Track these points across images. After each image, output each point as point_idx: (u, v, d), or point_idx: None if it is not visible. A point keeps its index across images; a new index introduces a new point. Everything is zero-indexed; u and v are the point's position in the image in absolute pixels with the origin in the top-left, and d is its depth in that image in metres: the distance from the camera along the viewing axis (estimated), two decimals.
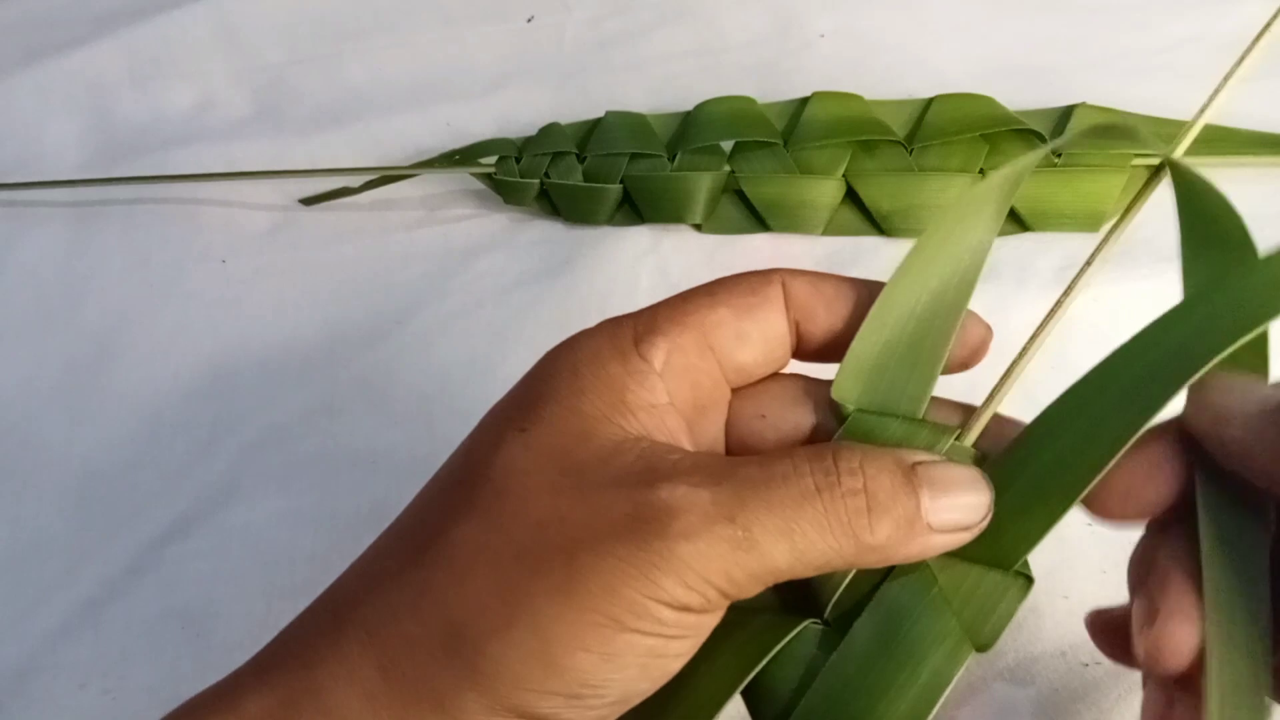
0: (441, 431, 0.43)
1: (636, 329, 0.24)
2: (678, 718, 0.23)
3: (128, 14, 0.56)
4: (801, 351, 0.26)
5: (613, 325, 0.24)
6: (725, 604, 0.22)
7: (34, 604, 0.41)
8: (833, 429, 0.25)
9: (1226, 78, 0.25)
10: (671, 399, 0.24)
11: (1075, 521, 0.23)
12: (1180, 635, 0.21)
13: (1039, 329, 0.25)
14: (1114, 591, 0.26)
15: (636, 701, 0.22)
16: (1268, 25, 0.25)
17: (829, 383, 0.25)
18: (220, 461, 0.43)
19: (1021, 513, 0.23)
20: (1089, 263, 0.25)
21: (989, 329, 0.26)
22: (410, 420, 0.43)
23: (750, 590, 0.21)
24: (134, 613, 0.40)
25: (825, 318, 0.25)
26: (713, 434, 0.26)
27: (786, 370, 0.26)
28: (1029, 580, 0.24)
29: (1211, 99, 0.25)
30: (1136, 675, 0.35)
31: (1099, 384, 0.23)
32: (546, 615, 0.20)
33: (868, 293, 0.25)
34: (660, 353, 0.24)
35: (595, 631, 0.20)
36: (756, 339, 0.25)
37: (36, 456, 0.44)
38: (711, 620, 0.22)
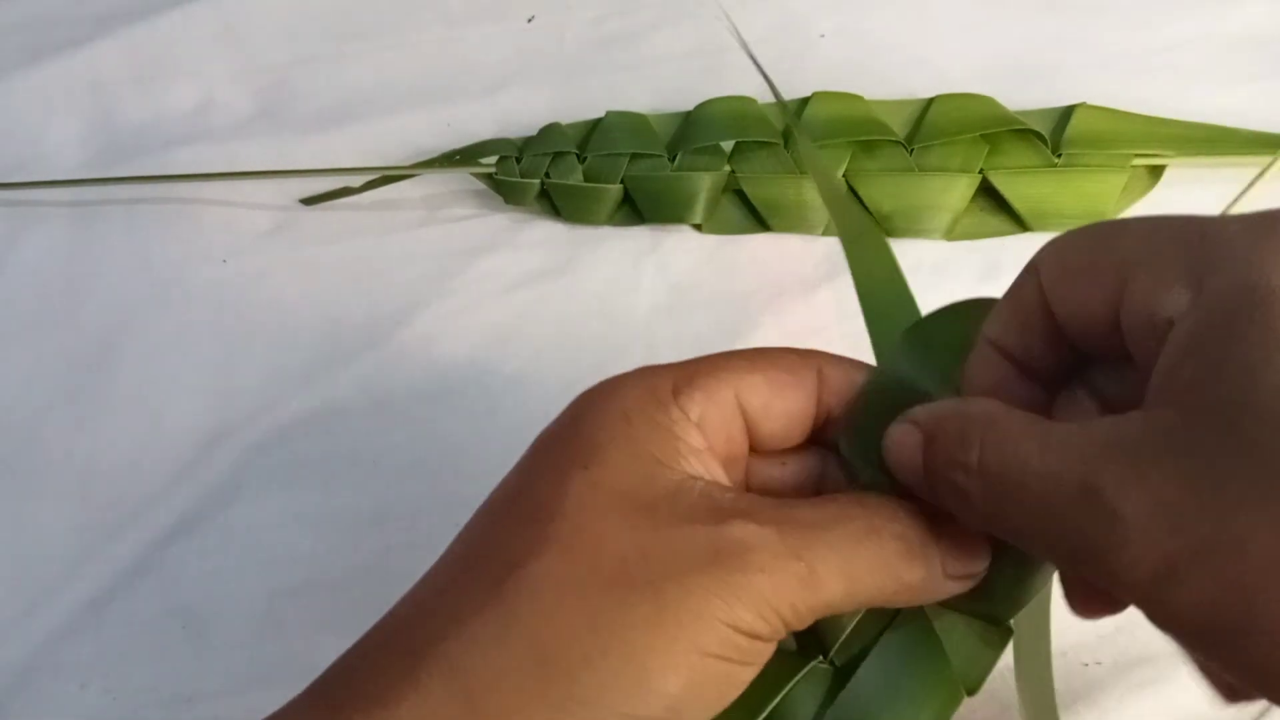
0: (441, 431, 0.43)
1: (675, 382, 0.25)
2: None
3: (128, 14, 0.56)
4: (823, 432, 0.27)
5: (650, 375, 0.25)
6: (784, 634, 0.23)
7: (34, 604, 0.41)
8: (840, 475, 0.27)
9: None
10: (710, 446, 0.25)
11: None
12: None
13: None
14: None
15: None
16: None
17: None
18: (221, 461, 0.43)
19: (1010, 572, 0.25)
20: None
21: None
22: (410, 420, 0.43)
23: (806, 622, 0.23)
24: (134, 613, 0.40)
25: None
26: (736, 482, 0.27)
27: None
28: (1009, 630, 0.26)
29: None
30: (1137, 675, 0.35)
31: None
32: (639, 645, 0.22)
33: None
34: (697, 406, 0.25)
35: (684, 659, 0.22)
36: (780, 415, 0.26)
37: (37, 456, 0.44)
38: (770, 650, 0.23)
